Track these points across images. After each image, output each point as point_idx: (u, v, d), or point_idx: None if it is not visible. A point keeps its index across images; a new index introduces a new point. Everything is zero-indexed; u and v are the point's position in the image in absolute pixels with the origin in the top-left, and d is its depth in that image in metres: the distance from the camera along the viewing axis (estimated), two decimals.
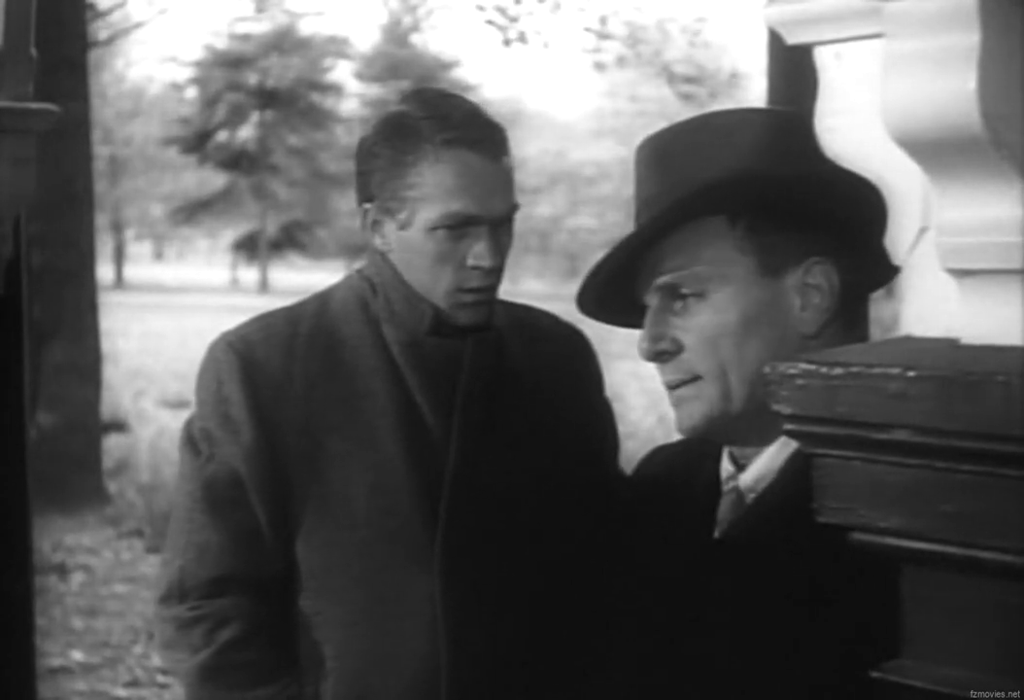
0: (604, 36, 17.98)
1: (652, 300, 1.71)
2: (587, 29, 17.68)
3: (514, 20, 15.64)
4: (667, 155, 1.72)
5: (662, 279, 1.69)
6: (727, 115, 1.76)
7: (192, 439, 2.24)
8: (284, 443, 2.17)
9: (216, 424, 2.21)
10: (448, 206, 2.11)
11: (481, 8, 15.69)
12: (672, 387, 1.71)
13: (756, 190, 1.67)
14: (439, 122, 2.12)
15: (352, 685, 2.17)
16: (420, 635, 2.13)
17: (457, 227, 2.12)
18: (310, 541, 2.17)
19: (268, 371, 2.19)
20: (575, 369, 2.33)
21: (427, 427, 2.17)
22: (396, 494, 2.14)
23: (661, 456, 1.97)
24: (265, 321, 2.27)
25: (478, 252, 2.12)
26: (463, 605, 2.12)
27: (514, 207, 2.16)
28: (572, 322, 2.36)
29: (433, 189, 2.11)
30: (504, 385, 2.22)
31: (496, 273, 2.16)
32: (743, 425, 1.68)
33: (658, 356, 1.70)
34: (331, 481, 2.16)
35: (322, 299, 2.28)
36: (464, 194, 2.11)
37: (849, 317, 1.69)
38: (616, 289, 1.74)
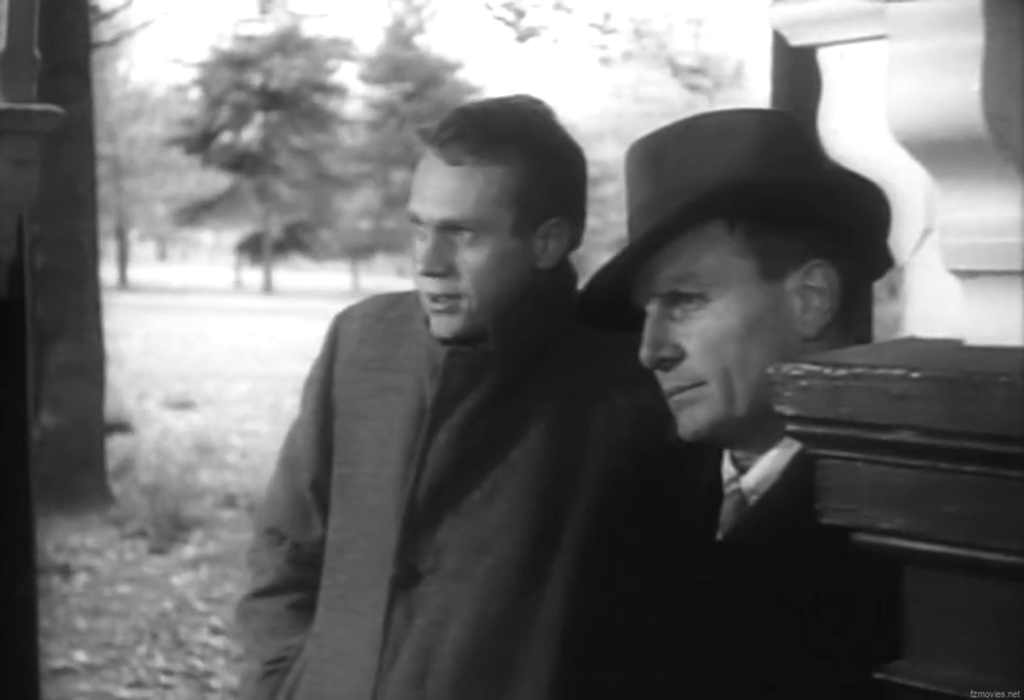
0: (608, 31, 17.94)
1: (651, 307, 1.70)
2: (591, 25, 17.65)
3: (521, 15, 15.62)
4: (659, 159, 1.71)
5: (662, 287, 1.68)
6: (717, 116, 1.75)
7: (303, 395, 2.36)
8: (331, 420, 2.26)
9: (307, 385, 2.32)
10: (408, 204, 2.13)
11: (488, 7, 15.68)
12: (674, 393, 1.70)
13: (753, 195, 1.66)
14: (438, 125, 2.11)
15: (307, 665, 2.22)
16: (368, 637, 2.14)
17: (417, 227, 2.10)
18: (330, 519, 2.24)
19: (346, 347, 2.28)
20: (660, 409, 2.16)
21: (425, 433, 2.16)
22: (386, 494, 2.16)
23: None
24: (377, 300, 2.34)
25: (419, 255, 2.09)
26: (404, 616, 2.12)
27: (460, 218, 2.05)
28: None
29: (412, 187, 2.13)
30: (513, 403, 2.14)
31: (453, 280, 2.07)
32: (746, 429, 1.68)
33: (661, 363, 1.69)
34: (353, 465, 2.21)
35: None
36: (416, 193, 2.11)
37: (849, 318, 1.69)
38: (614, 298, 1.73)
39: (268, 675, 2.27)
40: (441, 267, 2.07)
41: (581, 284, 2.18)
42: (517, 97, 2.20)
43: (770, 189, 1.66)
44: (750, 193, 1.66)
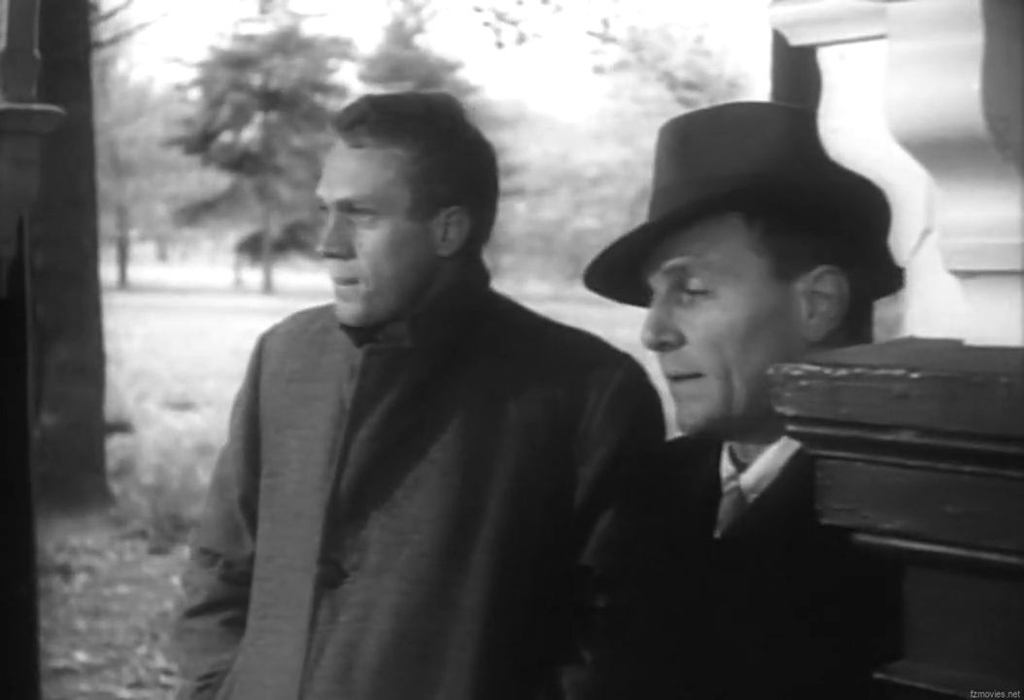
0: (607, 40, 17.96)
1: (659, 285, 1.71)
2: (589, 33, 17.66)
3: (514, 23, 15.59)
4: (686, 144, 1.72)
5: (672, 262, 1.68)
6: (749, 108, 1.76)
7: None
8: (258, 436, 2.27)
9: (234, 406, 2.34)
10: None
11: (479, 10, 15.67)
12: (672, 379, 1.71)
13: (775, 194, 1.67)
14: (343, 110, 2.18)
15: (237, 677, 2.23)
16: (293, 639, 2.14)
17: (323, 214, 2.15)
18: (259, 530, 2.25)
19: (271, 364, 2.29)
20: (575, 401, 2.13)
21: (345, 432, 2.17)
22: (311, 497, 2.17)
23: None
24: (299, 316, 2.36)
25: (322, 236, 2.14)
26: (330, 614, 2.12)
27: (357, 197, 2.09)
28: (629, 366, 2.15)
29: None
30: (431, 399, 2.14)
31: (352, 262, 2.10)
32: (744, 424, 1.69)
33: (660, 346, 1.71)
34: (279, 475, 2.22)
35: None
36: (322, 178, 2.16)
37: (855, 326, 1.69)
38: (624, 272, 1.74)
39: (200, 691, 2.29)
40: (341, 248, 2.12)
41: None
42: (433, 93, 2.26)
43: (793, 190, 1.67)
44: (773, 191, 1.67)
